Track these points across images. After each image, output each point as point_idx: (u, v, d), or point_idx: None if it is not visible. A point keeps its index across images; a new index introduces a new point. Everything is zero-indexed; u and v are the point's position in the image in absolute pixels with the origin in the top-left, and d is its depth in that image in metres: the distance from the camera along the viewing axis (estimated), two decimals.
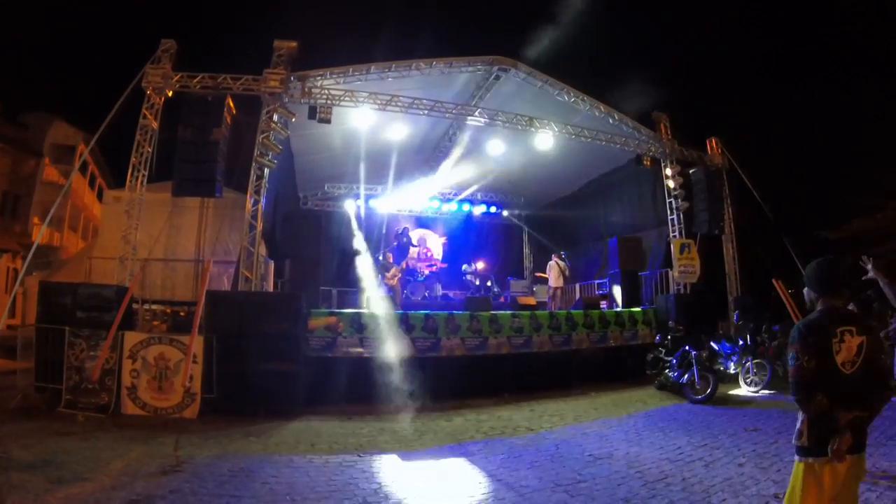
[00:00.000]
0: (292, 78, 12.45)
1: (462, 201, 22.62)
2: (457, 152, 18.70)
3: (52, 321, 9.50)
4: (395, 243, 20.10)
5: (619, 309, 14.66)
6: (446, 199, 22.36)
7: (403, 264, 18.06)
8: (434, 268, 21.35)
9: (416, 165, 19.87)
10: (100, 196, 31.90)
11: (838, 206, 22.19)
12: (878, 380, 3.33)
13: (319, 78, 12.88)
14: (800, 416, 3.35)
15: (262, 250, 12.46)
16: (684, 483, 5.91)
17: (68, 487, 5.45)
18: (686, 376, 10.75)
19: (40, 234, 14.90)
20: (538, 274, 19.42)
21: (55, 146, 29.56)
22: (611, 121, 15.42)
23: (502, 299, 18.59)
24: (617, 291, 15.58)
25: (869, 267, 5.27)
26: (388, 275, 15.77)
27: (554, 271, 17.22)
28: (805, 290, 3.58)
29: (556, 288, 17.19)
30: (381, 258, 16.64)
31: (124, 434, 7.80)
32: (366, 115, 13.98)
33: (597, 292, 18.28)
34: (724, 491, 5.63)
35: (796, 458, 3.35)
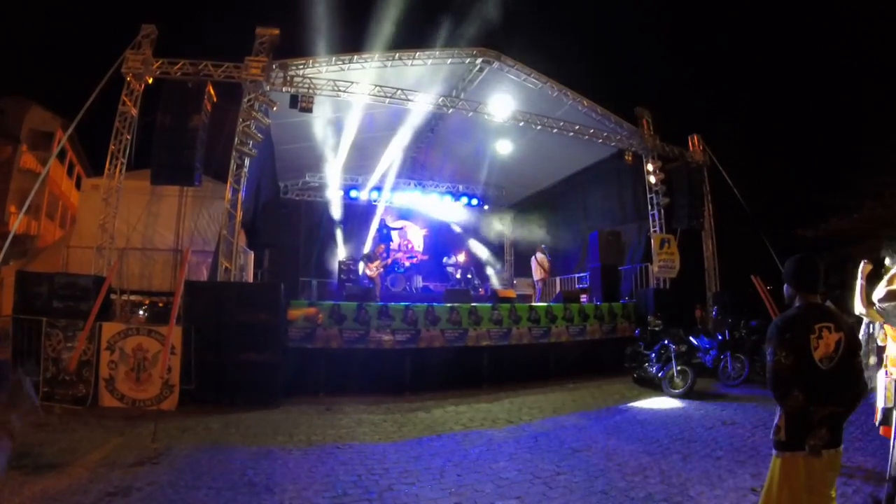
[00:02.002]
0: (274, 66, 12.38)
1: (443, 193, 22.63)
2: (439, 144, 18.68)
3: (28, 312, 9.35)
4: (376, 235, 20.10)
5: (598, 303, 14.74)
6: (428, 191, 22.35)
7: (389, 260, 18.08)
8: (415, 259, 21.35)
9: (398, 156, 19.82)
10: (78, 184, 31.51)
11: (816, 205, 22.37)
12: (855, 376, 3.37)
13: (301, 66, 12.81)
14: (778, 410, 3.39)
15: (242, 240, 12.39)
16: (662, 475, 5.95)
17: (45, 480, 5.40)
18: (665, 370, 10.83)
19: (17, 222, 14.67)
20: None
21: (32, 132, 29.06)
22: (594, 115, 15.48)
23: (482, 291, 18.63)
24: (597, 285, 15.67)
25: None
26: (372, 265, 15.73)
27: (536, 264, 17.33)
28: (785, 287, 3.61)
29: (538, 280, 17.31)
30: (367, 249, 16.63)
31: (102, 426, 7.73)
32: (347, 104, 13.92)
33: (577, 286, 18.37)
34: (701, 483, 5.68)
35: (774, 452, 3.39)
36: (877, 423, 5.56)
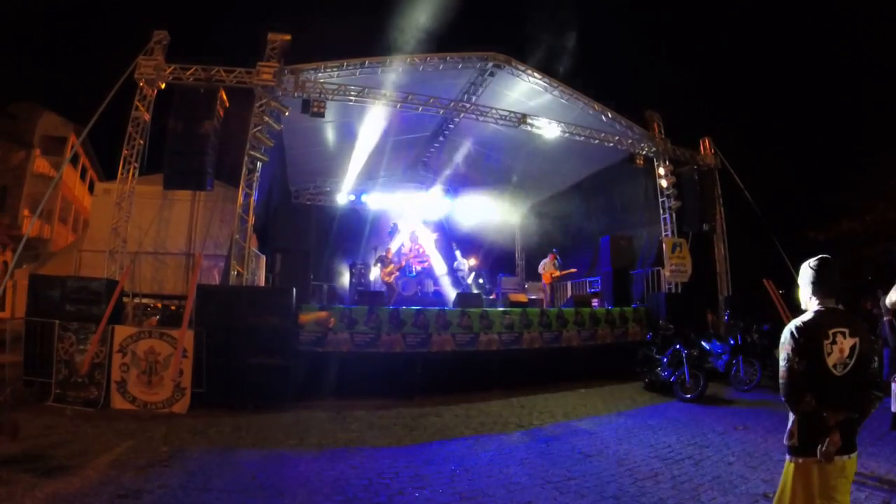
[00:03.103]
0: (286, 71, 12.43)
1: (454, 197, 22.59)
2: (450, 148, 18.67)
3: (41, 314, 9.44)
4: (388, 239, 20.09)
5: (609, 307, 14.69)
6: (439, 196, 22.33)
7: (402, 262, 18.06)
8: (426, 264, 21.30)
9: (409, 161, 19.84)
10: (90, 188, 31.73)
11: (828, 208, 22.28)
12: (870, 381, 3.34)
13: (313, 71, 12.85)
14: (791, 415, 3.36)
15: (253, 244, 12.42)
16: (674, 481, 5.92)
17: (56, 482, 5.42)
18: (676, 375, 10.77)
19: (30, 226, 14.82)
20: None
21: (45, 137, 29.32)
22: (604, 119, 15.45)
23: (493, 296, 18.59)
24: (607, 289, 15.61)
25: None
26: (385, 270, 15.71)
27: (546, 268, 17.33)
28: (800, 290, 3.58)
29: (546, 284, 17.30)
30: (380, 253, 16.59)
31: (113, 428, 7.76)
32: (359, 109, 13.95)
33: (588, 290, 18.31)
34: (713, 489, 5.65)
35: (787, 457, 3.37)
36: (891, 429, 5.52)
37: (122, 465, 6.05)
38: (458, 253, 21.30)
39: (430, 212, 22.64)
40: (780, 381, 3.35)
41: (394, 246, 19.92)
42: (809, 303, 3.51)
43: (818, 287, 3.48)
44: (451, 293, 19.06)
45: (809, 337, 3.30)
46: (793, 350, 3.29)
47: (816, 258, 3.53)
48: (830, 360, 3.25)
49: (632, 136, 15.96)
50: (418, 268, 20.22)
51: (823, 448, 3.13)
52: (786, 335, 3.37)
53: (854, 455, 3.30)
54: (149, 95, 11.89)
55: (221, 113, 11.82)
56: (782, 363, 3.33)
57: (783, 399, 3.33)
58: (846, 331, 3.30)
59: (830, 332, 3.29)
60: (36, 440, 6.91)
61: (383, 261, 15.94)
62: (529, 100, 15.11)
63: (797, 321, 3.42)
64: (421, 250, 21.54)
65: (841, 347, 3.27)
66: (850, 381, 3.26)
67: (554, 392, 11.31)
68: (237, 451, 6.89)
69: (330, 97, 12.86)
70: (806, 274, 3.53)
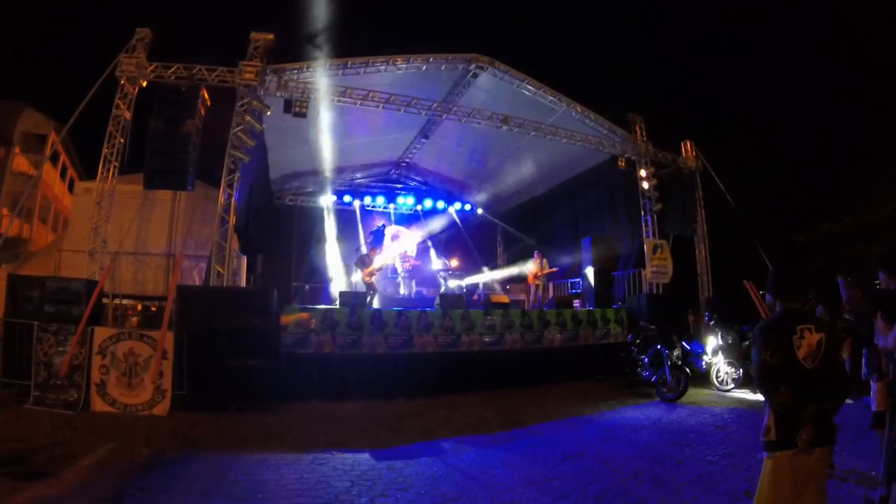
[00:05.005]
0: (268, 70, 12.35)
1: (437, 198, 22.60)
2: (433, 149, 18.65)
3: (19, 315, 9.32)
4: (371, 239, 20.04)
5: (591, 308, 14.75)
6: (421, 197, 22.33)
7: (383, 263, 17.98)
8: (408, 265, 21.28)
9: (392, 161, 19.80)
10: (71, 187, 31.34)
11: (809, 210, 22.49)
12: (838, 374, 3.57)
13: (296, 71, 12.80)
14: (767, 411, 3.50)
15: (235, 245, 12.34)
16: (656, 480, 5.95)
17: (36, 486, 5.35)
18: (657, 375, 10.84)
19: (9, 225, 14.61)
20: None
21: (25, 135, 28.84)
22: (587, 121, 15.52)
23: (475, 297, 18.60)
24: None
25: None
26: (367, 271, 15.64)
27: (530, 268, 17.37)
28: (767, 294, 3.78)
29: (531, 284, 17.34)
30: (361, 254, 16.48)
31: (93, 431, 7.67)
32: (342, 110, 13.91)
33: (570, 291, 18.36)
34: (695, 488, 5.69)
35: (765, 454, 3.49)
36: (870, 427, 5.58)
37: (102, 469, 5.99)
38: (432, 253, 21.32)
39: (412, 212, 22.67)
40: (755, 375, 3.55)
41: (377, 247, 19.89)
42: (775, 305, 3.72)
43: (781, 290, 3.70)
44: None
45: (777, 332, 3.48)
46: (763, 345, 3.45)
47: (780, 264, 3.84)
48: (800, 354, 3.40)
49: (614, 139, 16.04)
50: (401, 269, 20.19)
51: (802, 437, 3.25)
52: (756, 333, 3.58)
53: (830, 448, 3.49)
54: (130, 93, 11.80)
55: (203, 112, 11.74)
56: (755, 359, 3.51)
57: (760, 392, 3.51)
58: (812, 327, 3.47)
59: (798, 327, 3.45)
60: (15, 444, 6.83)
61: (364, 262, 15.85)
62: (513, 101, 15.13)
63: (764, 320, 3.69)
64: (403, 251, 21.54)
65: (809, 342, 3.42)
66: (820, 374, 3.40)
67: (536, 393, 11.33)
68: (219, 454, 6.84)
69: (312, 97, 12.81)
70: (771, 279, 3.77)
